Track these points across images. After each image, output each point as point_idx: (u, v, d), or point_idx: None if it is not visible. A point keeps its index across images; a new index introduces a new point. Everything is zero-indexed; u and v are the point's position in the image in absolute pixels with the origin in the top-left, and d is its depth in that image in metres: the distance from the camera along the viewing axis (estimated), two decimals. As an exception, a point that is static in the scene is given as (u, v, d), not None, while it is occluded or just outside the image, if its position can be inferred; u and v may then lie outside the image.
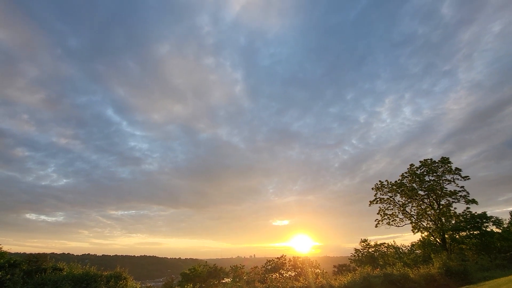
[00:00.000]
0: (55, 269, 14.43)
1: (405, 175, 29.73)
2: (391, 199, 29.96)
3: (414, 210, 29.04)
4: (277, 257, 24.17)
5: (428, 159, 28.88)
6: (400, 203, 29.59)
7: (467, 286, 14.86)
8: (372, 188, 30.93)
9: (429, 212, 27.78)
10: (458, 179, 26.73)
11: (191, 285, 20.39)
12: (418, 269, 17.84)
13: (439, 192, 27.20)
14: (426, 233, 28.14)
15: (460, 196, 26.08)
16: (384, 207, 30.18)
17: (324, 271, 23.31)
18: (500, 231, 25.02)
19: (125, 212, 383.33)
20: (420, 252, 28.26)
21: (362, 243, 33.47)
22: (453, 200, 26.39)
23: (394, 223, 29.49)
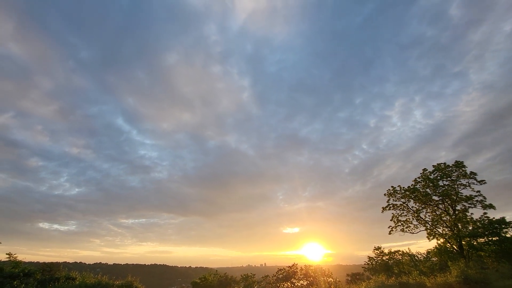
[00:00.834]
0: (68, 278, 14.61)
1: (418, 180, 29.02)
2: (405, 205, 29.21)
3: (429, 216, 28.19)
4: (289, 266, 23.80)
5: (442, 163, 28.16)
6: (414, 209, 28.79)
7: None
8: (384, 194, 30.28)
9: (444, 218, 26.92)
10: (473, 183, 25.90)
11: (202, 294, 20.25)
12: (435, 278, 17.22)
13: (454, 197, 26.37)
14: (442, 240, 27.21)
15: (477, 201, 25.20)
16: (397, 213, 29.41)
17: (337, 280, 22.80)
18: (521, 237, 23.94)
19: (136, 221, 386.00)
20: (437, 260, 27.29)
21: (376, 251, 32.62)
22: (469, 205, 25.51)
23: (408, 230, 28.66)
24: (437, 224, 27.25)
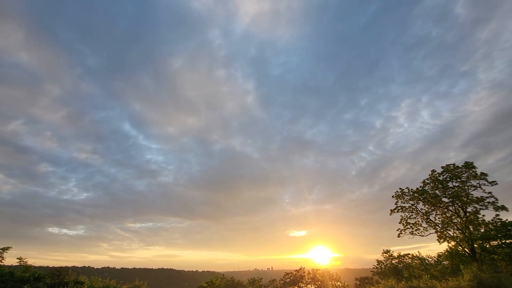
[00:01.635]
0: (77, 283, 14.72)
1: (427, 181, 28.52)
2: (413, 207, 28.71)
3: (439, 218, 27.62)
4: (296, 270, 23.57)
5: (451, 164, 27.64)
6: (423, 211, 28.27)
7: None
8: (393, 196, 29.83)
9: (455, 220, 26.33)
10: (484, 184, 25.32)
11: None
12: (446, 282, 16.81)
13: (465, 199, 25.80)
14: (453, 243, 26.60)
15: (488, 202, 24.60)
16: (406, 215, 28.91)
17: (346, 284, 22.46)
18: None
19: (143, 225, 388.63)
20: (448, 263, 26.67)
21: (385, 254, 32.10)
22: (481, 207, 24.92)
23: (418, 233, 28.11)
24: (447, 227, 26.69)
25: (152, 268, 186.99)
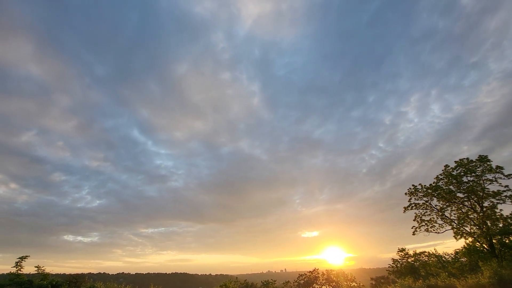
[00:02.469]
0: (94, 289, 14.97)
1: (440, 177, 27.87)
2: (427, 203, 28.09)
3: (454, 214, 26.93)
4: (309, 271, 23.38)
5: (464, 158, 26.93)
6: (438, 207, 27.63)
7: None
8: (405, 193, 29.27)
9: (471, 216, 25.63)
10: (501, 178, 24.57)
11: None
12: (465, 279, 16.32)
13: (481, 194, 25.09)
14: (470, 239, 25.89)
15: (505, 196, 23.85)
16: (420, 212, 28.29)
17: (361, 284, 22.14)
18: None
19: (155, 230, 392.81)
20: (466, 260, 25.94)
21: (400, 253, 31.47)
22: (498, 201, 24.18)
23: (433, 230, 27.47)
24: (463, 223, 25.99)
25: (166, 273, 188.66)
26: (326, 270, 23.22)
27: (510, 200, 23.57)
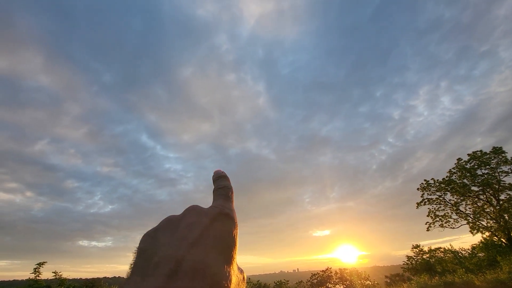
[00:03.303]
0: (109, 293, 15.23)
1: (453, 170, 27.27)
2: (441, 198, 27.50)
3: (470, 208, 26.29)
4: (322, 270, 23.18)
5: (478, 151, 26.28)
6: (452, 202, 27.01)
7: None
8: (418, 189, 28.75)
9: (487, 210, 24.97)
10: (517, 169, 23.89)
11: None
12: (484, 275, 15.88)
13: (496, 186, 24.43)
14: (487, 233, 25.21)
15: (523, 188, 23.17)
16: (434, 208, 27.72)
17: (375, 282, 21.84)
18: None
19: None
20: (484, 255, 25.26)
21: (414, 249, 30.93)
22: (515, 193, 23.50)
23: (448, 225, 26.88)
24: (479, 217, 25.37)
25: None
26: (339, 269, 22.98)
27: (527, 192, 22.88)
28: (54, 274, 16.04)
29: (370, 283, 21.42)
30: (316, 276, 22.82)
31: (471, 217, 25.91)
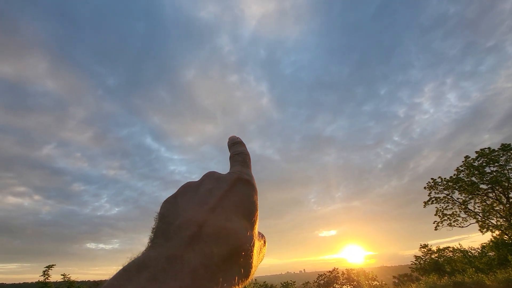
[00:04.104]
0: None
1: (461, 168, 26.89)
2: (449, 197, 27.13)
3: (479, 206, 25.87)
4: (329, 271, 23.05)
5: (486, 148, 25.87)
6: (460, 200, 26.63)
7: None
8: (425, 187, 28.39)
9: (497, 208, 24.55)
10: (527, 166, 23.46)
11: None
12: (494, 275, 15.60)
13: (506, 184, 24.01)
14: (497, 232, 24.78)
15: (533, 185, 22.74)
16: (442, 206, 27.35)
17: (383, 282, 21.62)
18: None
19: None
20: (494, 254, 24.84)
21: (423, 249, 30.54)
22: (525, 191, 23.07)
23: (457, 224, 26.50)
24: (489, 215, 24.96)
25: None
26: (346, 269, 22.82)
27: (538, 190, 22.45)
28: (63, 276, 16.25)
29: (378, 283, 21.23)
30: (323, 276, 22.68)
31: (480, 216, 25.50)
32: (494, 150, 25.32)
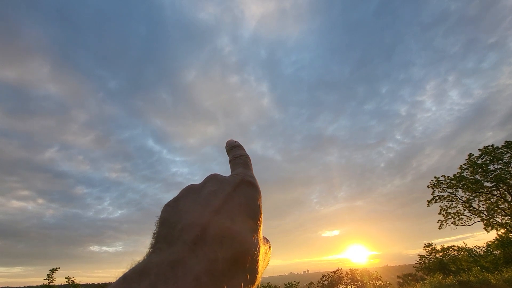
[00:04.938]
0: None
1: (464, 166, 26.68)
2: (452, 195, 26.93)
3: (483, 205, 25.65)
4: (333, 271, 22.95)
5: (489, 145, 25.67)
6: (464, 199, 26.42)
7: None
8: (428, 186, 28.22)
9: (502, 206, 24.32)
10: (531, 163, 23.24)
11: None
12: (500, 273, 15.46)
13: (510, 182, 23.80)
14: (503, 230, 24.57)
15: (538, 183, 22.52)
16: (446, 205, 27.15)
17: (388, 282, 21.49)
18: None
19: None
20: (500, 253, 24.62)
21: (427, 248, 30.33)
22: (530, 188, 22.85)
23: (461, 222, 26.28)
24: (494, 213, 24.74)
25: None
26: (350, 269, 22.70)
27: (543, 187, 22.23)
28: (67, 279, 16.30)
29: (382, 283, 21.09)
30: (327, 277, 22.58)
31: (484, 214, 25.28)
32: (497, 147, 25.12)
